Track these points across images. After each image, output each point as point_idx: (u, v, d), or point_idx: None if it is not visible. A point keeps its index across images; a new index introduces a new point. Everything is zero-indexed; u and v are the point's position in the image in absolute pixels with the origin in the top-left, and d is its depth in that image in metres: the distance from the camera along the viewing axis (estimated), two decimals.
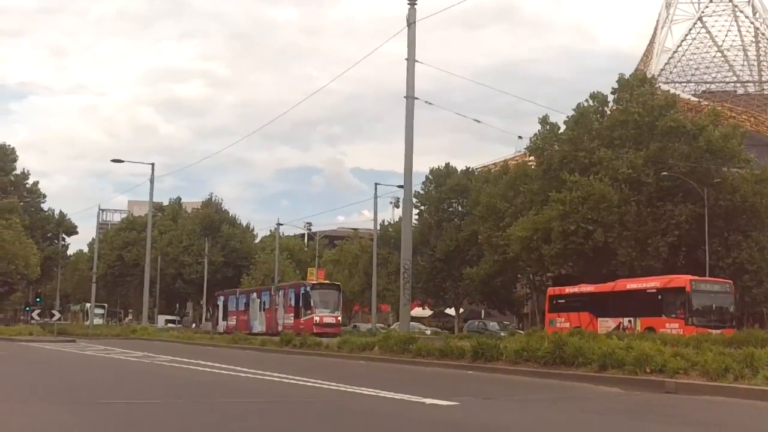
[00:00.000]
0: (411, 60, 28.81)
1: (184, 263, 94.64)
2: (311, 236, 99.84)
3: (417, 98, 29.13)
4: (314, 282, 55.95)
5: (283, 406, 12.05)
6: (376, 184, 64.12)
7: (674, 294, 38.81)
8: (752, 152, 56.53)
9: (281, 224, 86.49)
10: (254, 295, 61.85)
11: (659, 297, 39.40)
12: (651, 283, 41.03)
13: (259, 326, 56.85)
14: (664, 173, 50.80)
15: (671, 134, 52.32)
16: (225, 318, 65.66)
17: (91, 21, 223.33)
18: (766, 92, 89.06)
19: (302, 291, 53.38)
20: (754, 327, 40.11)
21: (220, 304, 68.45)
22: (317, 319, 49.69)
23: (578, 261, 54.26)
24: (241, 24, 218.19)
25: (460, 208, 72.07)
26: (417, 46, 28.82)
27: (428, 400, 12.31)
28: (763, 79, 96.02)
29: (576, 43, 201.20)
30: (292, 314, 52.96)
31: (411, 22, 28.96)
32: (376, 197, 63.99)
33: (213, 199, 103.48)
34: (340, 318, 53.21)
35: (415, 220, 69.31)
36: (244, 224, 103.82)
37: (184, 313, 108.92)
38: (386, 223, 77.49)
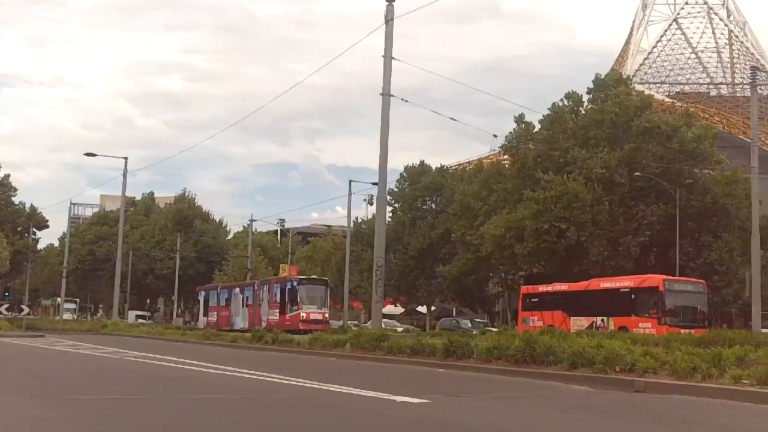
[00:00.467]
0: (388, 57, 28.80)
1: (155, 258, 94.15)
2: (284, 233, 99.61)
3: (393, 95, 29.14)
4: (301, 277, 54.66)
5: (255, 403, 12.00)
6: (350, 181, 64.19)
7: (647, 293, 38.85)
8: (724, 154, 56.99)
9: (254, 220, 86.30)
10: (237, 290, 60.32)
11: (632, 296, 39.46)
12: (624, 283, 41.10)
13: (241, 322, 55.31)
14: (637, 174, 51.16)
15: (645, 135, 52.66)
16: (206, 314, 64.40)
17: (72, 11, 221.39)
18: (738, 94, 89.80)
19: (288, 286, 51.62)
20: (723, 327, 40.41)
21: (201, 299, 66.95)
22: (304, 315, 48.54)
23: (551, 260, 54.50)
24: (226, 17, 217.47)
25: (434, 206, 72.15)
26: (402, 41, 29.02)
27: (399, 398, 12.31)
28: (736, 81, 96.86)
29: (561, 40, 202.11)
30: (278, 310, 51.56)
31: (389, 19, 28.95)
32: (350, 194, 64.05)
33: (186, 194, 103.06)
34: (327, 314, 51.62)
35: (389, 217, 69.33)
36: (218, 220, 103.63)
37: (155, 308, 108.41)
38: (360, 221, 77.50)
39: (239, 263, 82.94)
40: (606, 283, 42.21)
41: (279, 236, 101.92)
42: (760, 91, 58.25)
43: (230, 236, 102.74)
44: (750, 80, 42.15)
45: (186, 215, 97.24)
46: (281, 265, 79.25)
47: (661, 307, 37.67)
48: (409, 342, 22.96)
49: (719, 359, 14.31)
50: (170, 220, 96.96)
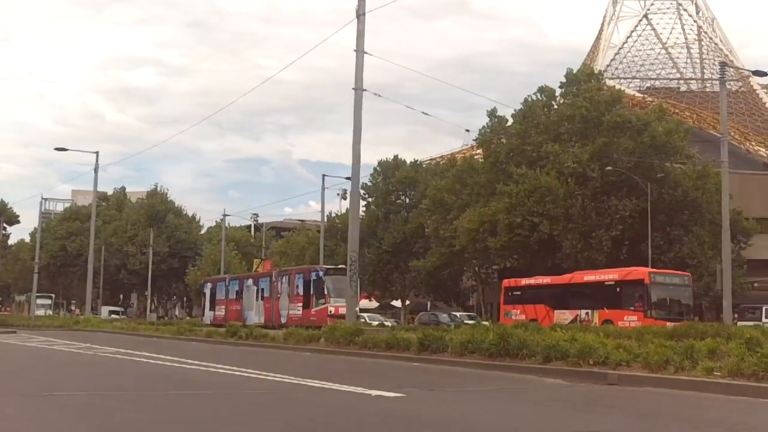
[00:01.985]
0: (360, 51, 28.75)
1: (128, 254, 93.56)
2: (258, 227, 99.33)
3: (365, 90, 29.09)
4: (328, 266, 49.51)
5: (229, 398, 11.98)
6: (323, 175, 64.15)
7: (633, 286, 38.93)
8: (695, 148, 57.51)
9: (228, 215, 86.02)
10: (250, 281, 55.13)
11: (617, 289, 39.52)
12: (609, 276, 41.06)
13: (255, 317, 50.68)
14: (609, 168, 51.49)
15: (617, 129, 53.00)
16: (212, 308, 59.26)
17: (41, 5, 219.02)
18: (708, 90, 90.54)
19: (314, 277, 46.76)
20: (694, 320, 40.75)
21: (207, 291, 61.65)
22: (332, 309, 43.34)
23: (523, 254, 54.74)
24: (196, 12, 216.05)
25: (407, 201, 72.25)
26: (374, 36, 29.13)
27: (374, 392, 12.33)
28: (706, 76, 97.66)
29: (530, 37, 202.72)
30: (300, 304, 46.87)
31: (360, 14, 28.90)
32: (323, 189, 64.00)
33: (158, 188, 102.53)
34: (358, 309, 48.98)
35: (363, 212, 69.32)
36: (191, 215, 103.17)
37: (129, 304, 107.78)
38: (333, 215, 77.43)
39: (213, 258, 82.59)
40: (590, 276, 42.13)
41: (253, 231, 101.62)
42: (729, 87, 58.81)
43: (203, 231, 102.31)
44: (719, 76, 42.46)
45: (158, 210, 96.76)
46: (255, 259, 79.12)
47: (647, 300, 37.77)
48: (384, 336, 23.02)
49: (691, 352, 14.46)
50: (142, 215, 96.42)
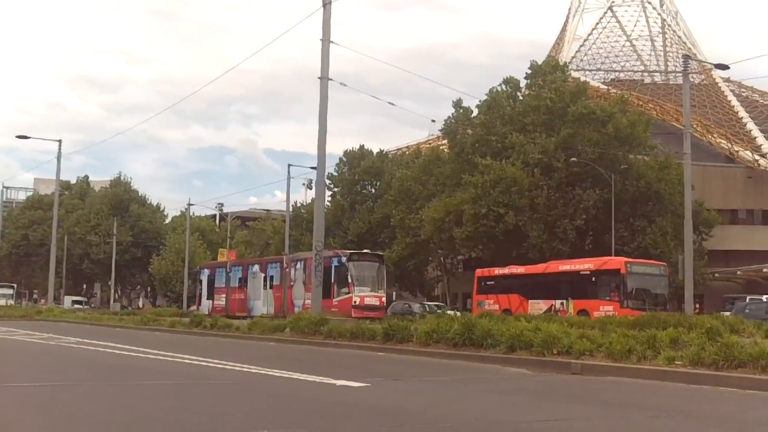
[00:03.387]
0: (326, 41, 28.65)
1: (91, 243, 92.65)
2: (223, 217, 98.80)
3: (331, 80, 29.01)
4: (351, 251, 45.12)
5: (193, 388, 11.91)
6: (289, 165, 63.78)
7: (609, 276, 38.83)
8: (658, 140, 58.05)
9: (192, 204, 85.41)
10: (256, 267, 49.91)
11: (593, 279, 39.44)
12: (585, 265, 40.96)
13: (263, 308, 46.26)
14: (574, 159, 51.83)
15: (581, 121, 53.37)
16: (210, 297, 54.07)
17: None
18: (671, 82, 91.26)
19: (335, 263, 41.93)
20: (668, 310, 40.97)
21: (204, 279, 55.96)
22: (357, 299, 39.85)
23: (489, 244, 55.00)
24: (159, 0, 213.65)
25: (373, 191, 72.29)
26: (340, 26, 28.86)
27: (339, 382, 12.33)
28: (669, 69, 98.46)
29: (494, 29, 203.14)
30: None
31: (327, 3, 28.80)
32: (289, 178, 63.67)
33: (122, 177, 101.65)
34: (384, 298, 42.59)
35: (329, 202, 69.28)
36: (155, 204, 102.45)
37: (92, 293, 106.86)
38: (299, 205, 77.23)
39: (177, 248, 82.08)
40: (565, 266, 41.99)
41: (218, 221, 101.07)
42: (692, 80, 59.35)
43: (168, 221, 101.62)
44: (682, 69, 42.83)
45: (122, 199, 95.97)
46: (220, 249, 78.69)
47: (623, 290, 37.69)
48: (349, 326, 23.01)
49: (653, 341, 14.62)
50: (106, 205, 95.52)
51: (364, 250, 46.14)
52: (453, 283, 67.68)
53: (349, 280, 40.80)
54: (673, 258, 45.54)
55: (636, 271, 38.86)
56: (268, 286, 47.54)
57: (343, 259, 41.96)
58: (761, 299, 43.93)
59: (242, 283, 50.62)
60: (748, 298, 45.65)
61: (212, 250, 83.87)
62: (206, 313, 47.37)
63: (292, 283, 44.59)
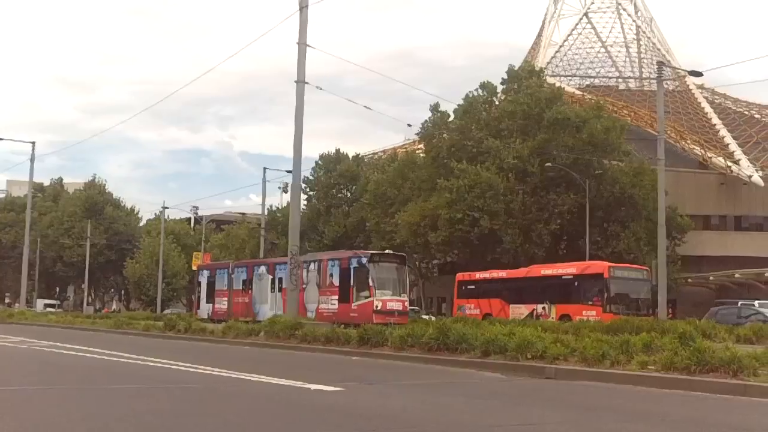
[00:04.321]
0: (302, 44, 28.65)
1: (64, 246, 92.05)
2: (198, 220, 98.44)
3: (308, 83, 29.01)
4: (373, 252, 42.57)
5: (166, 393, 11.83)
6: (264, 168, 63.72)
7: (592, 280, 38.56)
8: (632, 146, 58.45)
9: (167, 207, 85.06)
10: (262, 269, 46.49)
11: (576, 283, 39.18)
12: (567, 269, 40.74)
13: (270, 312, 42.02)
14: (549, 164, 52.07)
15: (556, 126, 53.66)
16: (210, 300, 50.29)
17: None
18: (646, 89, 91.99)
19: (354, 264, 39.35)
20: (655, 314, 40.92)
21: (203, 280, 52.12)
22: (378, 303, 36.89)
23: (464, 248, 55.12)
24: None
25: (349, 195, 72.29)
26: (317, 28, 28.85)
27: (313, 386, 12.29)
28: (644, 75, 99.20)
29: (471, 32, 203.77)
30: (336, 297, 39.63)
31: (303, 6, 28.81)
32: (264, 182, 63.61)
33: (96, 180, 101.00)
34: (407, 302, 39.75)
35: (304, 205, 69.23)
36: (130, 207, 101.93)
37: (65, 297, 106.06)
38: (275, 208, 77.08)
39: (152, 251, 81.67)
40: (547, 270, 41.73)
41: (192, 224, 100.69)
42: (666, 86, 59.80)
43: (142, 223, 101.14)
44: (657, 75, 43.15)
45: (96, 202, 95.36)
46: (194, 252, 78.42)
47: (606, 295, 37.42)
48: (324, 330, 22.96)
49: (627, 346, 14.70)
50: (80, 207, 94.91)
51: (387, 251, 43.64)
52: (428, 288, 67.77)
53: (370, 283, 37.76)
54: (647, 263, 45.85)
55: (619, 275, 38.63)
56: (276, 288, 44.32)
57: (364, 260, 39.14)
58: (753, 304, 44.17)
59: (247, 285, 47.42)
60: (740, 302, 45.32)
61: (187, 253, 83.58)
62: (206, 317, 46.08)
63: (304, 286, 40.98)
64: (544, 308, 39.33)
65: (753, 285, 59.48)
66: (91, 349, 21.22)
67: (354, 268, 39.38)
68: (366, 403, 10.97)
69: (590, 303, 37.89)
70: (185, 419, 9.22)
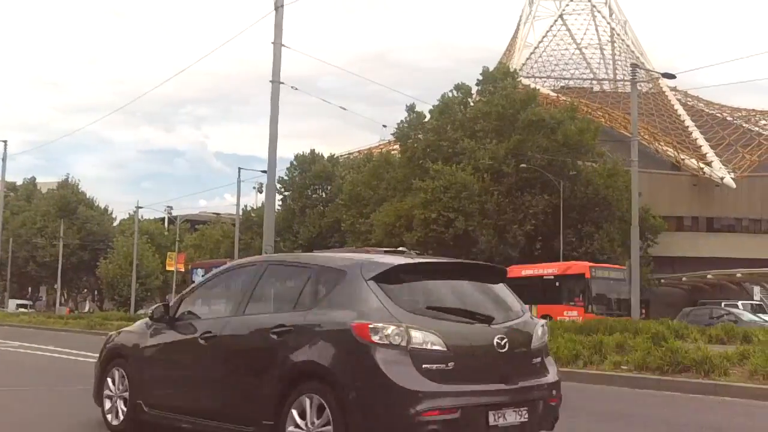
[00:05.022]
0: (278, 44, 28.52)
1: (37, 246, 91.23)
2: (172, 220, 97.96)
3: (283, 83, 28.85)
4: (386, 248, 38.88)
5: None
6: (239, 168, 63.44)
7: (573, 281, 38.58)
8: (606, 147, 58.75)
9: (141, 207, 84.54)
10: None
11: (557, 283, 39.13)
12: (548, 270, 40.67)
13: None
14: (523, 165, 52.23)
15: (531, 127, 53.83)
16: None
17: None
18: (620, 90, 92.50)
19: None
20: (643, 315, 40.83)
21: (198, 280, 47.83)
22: None
23: (439, 248, 55.13)
24: None
25: (324, 195, 72.19)
26: (293, 29, 28.71)
27: None
28: (618, 77, 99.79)
29: (447, 33, 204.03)
30: None
31: (279, 6, 28.69)
32: (239, 182, 63.30)
33: (70, 179, 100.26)
34: None
35: (279, 206, 69.04)
36: (103, 206, 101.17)
37: (37, 297, 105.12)
38: (249, 209, 76.84)
39: (125, 251, 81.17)
40: (528, 270, 41.41)
41: (166, 224, 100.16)
42: (639, 88, 60.21)
43: (116, 223, 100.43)
44: (630, 77, 43.44)
45: (69, 201, 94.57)
46: (169, 253, 78.01)
47: (588, 295, 37.45)
48: None
49: (600, 346, 14.80)
50: (53, 207, 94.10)
51: (400, 248, 42.26)
52: None
53: None
54: (621, 264, 46.12)
55: (601, 275, 38.60)
56: None
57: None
58: (737, 304, 44.41)
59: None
60: (723, 303, 45.22)
61: (161, 253, 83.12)
62: None
63: None
64: None
65: (725, 286, 60.03)
66: (65, 350, 21.09)
67: None
68: None
69: (572, 303, 37.94)
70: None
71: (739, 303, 45.57)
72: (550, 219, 52.37)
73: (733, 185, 66.12)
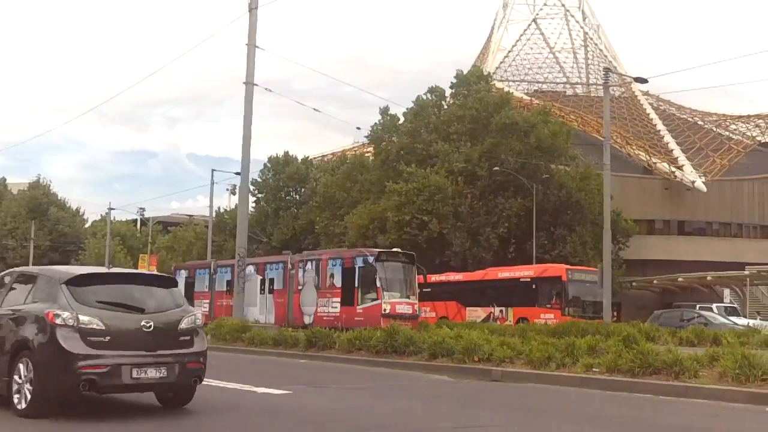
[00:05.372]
0: (252, 45, 28.52)
1: (7, 247, 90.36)
2: (144, 222, 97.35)
3: (257, 85, 28.88)
4: (380, 250, 38.02)
5: (111, 398, 11.69)
6: (212, 170, 63.38)
7: (549, 283, 38.42)
8: (578, 150, 59.06)
9: (113, 209, 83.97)
10: (250, 268, 40.22)
11: (533, 286, 38.96)
12: (525, 272, 40.53)
13: (260, 315, 38.83)
14: (497, 168, 52.41)
15: (505, 130, 54.01)
16: (189, 302, 41.49)
17: None
18: (593, 94, 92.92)
19: (360, 263, 35.12)
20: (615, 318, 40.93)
21: (180, 281, 43.72)
22: (387, 307, 33.00)
23: (412, 251, 55.14)
24: None
25: (297, 197, 72.06)
26: (267, 32, 28.64)
27: (260, 389, 12.26)
28: (591, 81, 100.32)
29: (420, 36, 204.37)
30: (338, 299, 35.33)
31: (253, 7, 28.70)
32: (212, 183, 63.09)
33: (41, 180, 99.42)
34: (417, 305, 35.76)
35: (252, 207, 68.84)
36: (75, 208, 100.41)
37: None
38: (222, 210, 76.57)
39: (97, 253, 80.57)
40: (504, 273, 41.31)
41: (139, 225, 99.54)
42: (612, 92, 60.64)
43: (87, 225, 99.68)
44: (603, 81, 43.70)
45: (41, 202, 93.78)
46: (141, 255, 77.54)
47: (564, 297, 37.35)
48: (272, 333, 22.91)
49: (572, 349, 14.87)
50: (24, 208, 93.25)
51: (394, 249, 39.94)
52: None
53: (378, 284, 33.83)
54: (592, 266, 46.39)
55: (577, 278, 38.50)
56: (266, 290, 40.33)
57: (370, 259, 34.73)
58: (711, 307, 44.75)
59: (231, 286, 41.94)
60: (697, 306, 45.26)
61: (133, 255, 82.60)
62: None
63: (300, 287, 37.64)
64: (501, 311, 39.09)
65: (696, 288, 60.54)
66: None
67: (359, 267, 35.26)
68: (313, 407, 10.97)
69: (548, 306, 37.78)
70: (124, 424, 9.13)
71: (714, 306, 45.99)
72: (523, 222, 52.57)
73: (704, 189, 66.71)
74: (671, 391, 12.33)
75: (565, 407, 11.36)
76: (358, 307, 33.93)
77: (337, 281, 35.64)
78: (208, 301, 43.62)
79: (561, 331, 22.35)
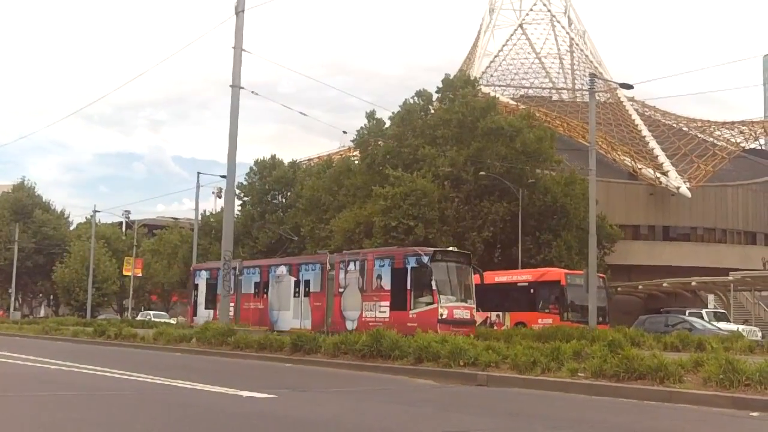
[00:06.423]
0: (238, 49, 28.50)
1: None
2: (129, 224, 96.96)
3: (243, 88, 28.85)
4: (435, 249, 34.87)
5: (91, 400, 11.62)
6: (198, 173, 62.98)
7: (548, 288, 38.24)
8: (564, 155, 59.24)
9: (98, 211, 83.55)
10: (282, 269, 38.66)
11: (531, 291, 38.77)
12: (522, 276, 40.33)
13: (294, 320, 36.28)
14: (483, 172, 52.49)
15: (490, 135, 54.12)
16: (211, 305, 40.50)
17: None
18: (578, 100, 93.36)
19: (413, 263, 32.09)
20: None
21: (201, 283, 43.72)
22: (444, 311, 30.42)
23: None
24: (69, 1, 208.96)
25: (283, 201, 71.98)
26: (253, 36, 28.60)
27: (245, 393, 12.21)
28: (576, 87, 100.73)
29: (406, 40, 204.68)
30: (387, 303, 32.25)
31: (239, 11, 28.67)
32: (198, 186, 62.86)
33: (25, 182, 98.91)
34: (474, 309, 32.90)
35: (238, 211, 68.68)
36: (59, 210, 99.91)
37: None
38: (208, 213, 76.39)
39: (82, 255, 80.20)
40: (501, 277, 40.82)
41: (124, 228, 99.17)
42: (598, 98, 60.79)
43: (72, 227, 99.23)
44: (589, 87, 43.85)
45: (25, 205, 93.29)
46: (126, 257, 77.26)
47: (563, 302, 37.09)
48: (257, 337, 22.87)
49: (558, 353, 14.90)
50: (7, 210, 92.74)
51: (450, 248, 37.31)
52: None
53: (433, 287, 31.12)
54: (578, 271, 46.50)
55: (576, 282, 37.57)
56: (301, 293, 37.30)
57: (425, 259, 31.89)
58: (701, 313, 44.84)
59: (260, 288, 39.98)
60: (687, 311, 45.03)
61: (118, 258, 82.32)
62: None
63: (341, 290, 34.72)
64: (498, 316, 38.77)
65: (680, 293, 60.86)
66: (16, 355, 20.78)
67: (412, 268, 32.24)
68: (297, 411, 10.94)
69: (546, 311, 37.58)
70: (110, 427, 9.08)
71: (703, 311, 46.12)
72: (509, 226, 52.67)
73: (689, 195, 67.07)
74: (656, 396, 12.36)
75: (550, 412, 11.37)
76: (410, 312, 31.27)
77: (386, 283, 32.87)
78: (233, 304, 38.04)
79: (547, 335, 22.39)
